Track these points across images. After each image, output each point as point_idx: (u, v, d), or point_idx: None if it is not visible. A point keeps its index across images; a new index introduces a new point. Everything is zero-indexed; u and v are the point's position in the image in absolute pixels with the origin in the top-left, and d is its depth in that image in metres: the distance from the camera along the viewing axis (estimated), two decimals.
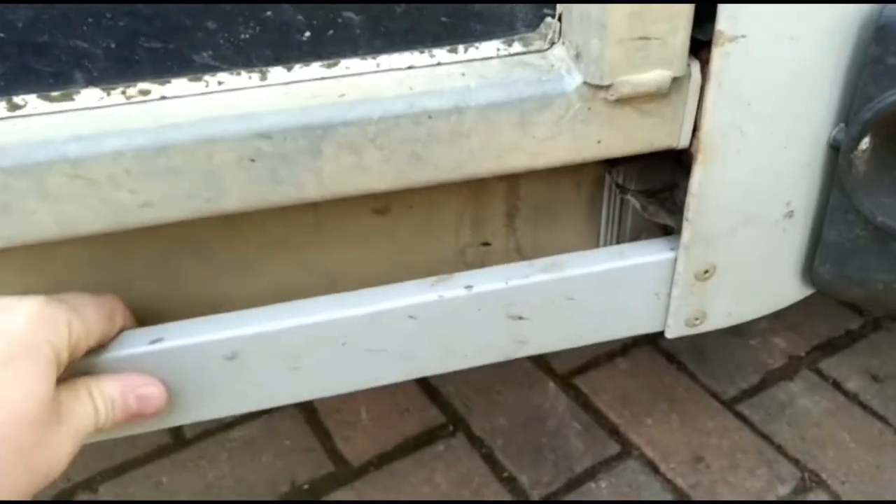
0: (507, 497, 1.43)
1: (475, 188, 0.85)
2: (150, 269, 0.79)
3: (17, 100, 0.59)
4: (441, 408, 1.69)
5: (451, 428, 1.64)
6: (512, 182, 0.85)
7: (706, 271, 0.77)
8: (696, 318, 0.82)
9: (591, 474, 1.54)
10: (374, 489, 1.53)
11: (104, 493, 1.50)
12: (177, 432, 1.63)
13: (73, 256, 0.76)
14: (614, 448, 1.58)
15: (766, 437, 1.56)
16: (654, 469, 1.53)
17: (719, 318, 0.82)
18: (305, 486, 1.53)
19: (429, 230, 0.86)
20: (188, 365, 0.71)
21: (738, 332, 1.78)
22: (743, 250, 0.76)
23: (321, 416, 1.69)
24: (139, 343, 0.70)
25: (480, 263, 0.92)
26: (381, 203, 0.82)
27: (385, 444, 1.61)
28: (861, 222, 0.69)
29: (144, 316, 0.79)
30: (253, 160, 0.62)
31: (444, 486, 1.53)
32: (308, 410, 1.66)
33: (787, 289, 0.81)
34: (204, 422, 1.62)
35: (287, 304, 0.74)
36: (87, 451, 1.55)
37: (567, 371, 1.76)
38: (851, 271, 0.73)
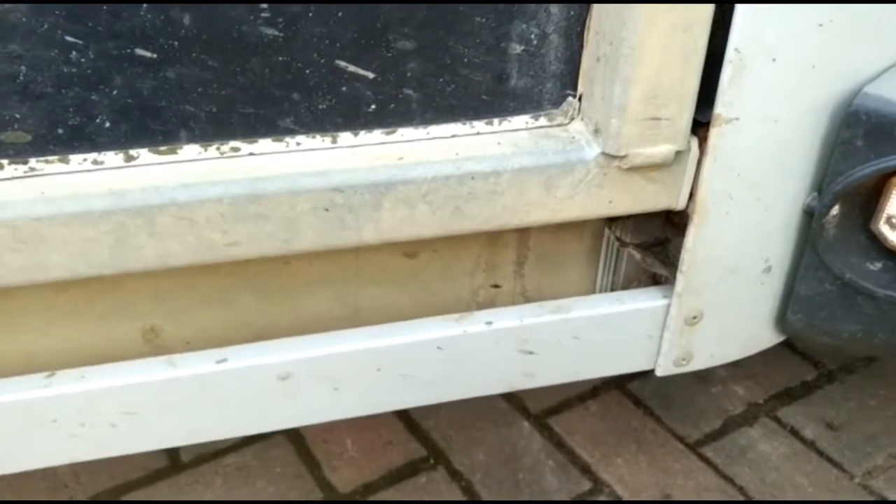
0: None
1: (491, 237, 0.97)
2: (208, 299, 0.90)
3: (132, 153, 0.70)
4: (422, 441, 1.76)
5: (432, 461, 1.70)
6: (523, 233, 0.97)
7: (695, 317, 0.91)
8: (684, 359, 0.95)
9: None
10: None
11: None
12: (173, 456, 1.69)
13: (140, 287, 0.86)
14: (587, 485, 1.65)
15: (728, 479, 1.64)
16: None
17: (703, 358, 0.95)
18: None
19: (449, 273, 0.98)
20: (248, 383, 0.82)
21: (701, 380, 1.88)
22: (726, 299, 0.90)
23: (310, 446, 1.75)
24: (207, 362, 0.80)
25: (490, 303, 1.04)
26: (412, 248, 0.94)
27: (370, 475, 1.67)
28: (830, 278, 0.82)
29: (201, 339, 0.90)
30: (327, 210, 0.73)
31: None
32: (297, 440, 1.72)
33: (763, 335, 0.94)
34: (198, 447, 1.69)
35: (334, 333, 0.85)
36: (88, 471, 1.61)
37: (541, 411, 1.83)
38: (820, 321, 0.86)
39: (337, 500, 1.54)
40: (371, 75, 0.74)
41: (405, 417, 1.80)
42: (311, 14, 0.69)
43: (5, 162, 0.69)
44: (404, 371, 0.88)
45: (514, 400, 1.88)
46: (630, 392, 1.88)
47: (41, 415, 0.80)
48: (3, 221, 0.67)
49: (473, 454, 1.75)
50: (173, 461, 1.67)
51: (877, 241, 0.80)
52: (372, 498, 1.64)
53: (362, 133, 0.76)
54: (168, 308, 0.89)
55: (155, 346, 0.90)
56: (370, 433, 1.78)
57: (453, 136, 0.79)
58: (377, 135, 0.77)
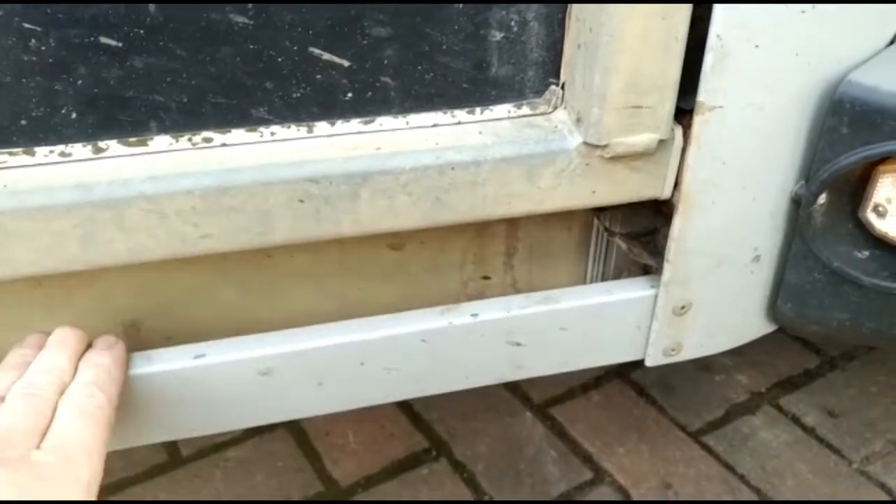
0: None
1: (479, 228, 0.95)
2: (189, 293, 0.89)
3: (101, 144, 0.69)
4: (424, 433, 1.76)
5: (434, 453, 1.70)
6: (512, 224, 0.96)
7: (683, 307, 0.89)
8: (673, 349, 0.93)
9: (566, 498, 1.61)
10: None
11: None
12: (172, 451, 1.69)
13: (119, 281, 0.85)
14: (588, 474, 1.65)
15: (729, 467, 1.64)
16: (626, 495, 1.60)
17: (693, 349, 0.93)
18: None
19: (437, 265, 0.97)
20: (227, 379, 0.81)
21: (704, 368, 1.87)
22: (715, 289, 0.88)
23: (311, 439, 1.75)
24: (184, 358, 0.79)
25: (480, 295, 1.02)
26: (397, 240, 0.92)
27: (372, 467, 1.67)
28: (819, 267, 0.80)
29: (182, 334, 0.89)
30: (302, 201, 0.72)
31: None
32: (298, 433, 1.73)
33: (753, 325, 0.92)
34: (199, 441, 1.69)
35: (315, 327, 0.84)
36: None
37: (543, 401, 1.83)
38: (809, 310, 0.84)
39: (332, 501, 1.53)
40: (346, 63, 0.72)
41: (407, 409, 1.80)
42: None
43: None
44: (388, 364, 0.87)
45: (516, 390, 1.87)
46: (632, 381, 1.87)
47: None
48: None
49: (476, 445, 1.75)
50: (173, 456, 1.68)
51: (864, 230, 0.78)
52: (373, 490, 1.63)
53: (339, 122, 0.75)
54: (148, 303, 0.88)
55: (136, 341, 0.89)
56: (372, 425, 1.78)
57: (434, 125, 0.77)
58: (355, 124, 0.75)
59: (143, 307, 0.88)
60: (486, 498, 1.59)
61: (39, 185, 0.66)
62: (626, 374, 1.85)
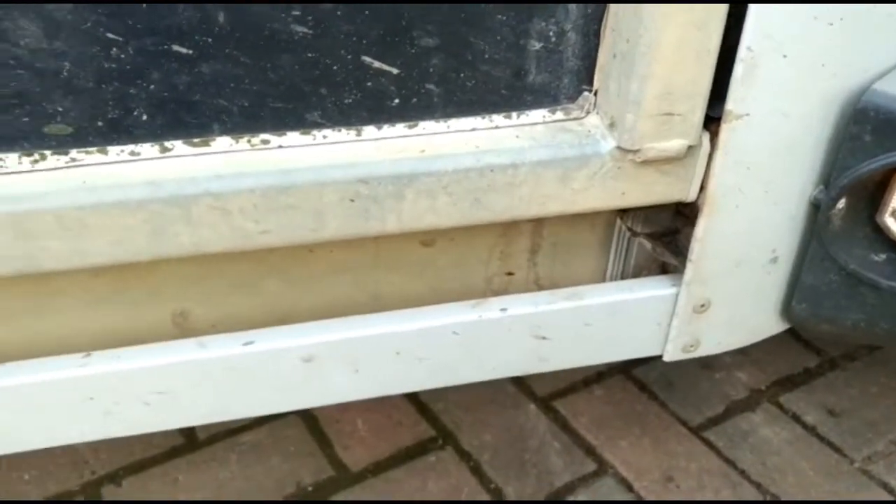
0: None
1: (506, 226, 1.00)
2: (234, 284, 0.94)
3: (168, 144, 0.74)
4: (431, 423, 1.79)
5: (440, 441, 1.74)
6: (538, 222, 1.01)
7: (702, 305, 0.94)
8: (691, 345, 0.98)
9: (570, 489, 1.65)
10: (371, 494, 1.64)
11: (127, 486, 1.59)
12: (189, 435, 1.73)
13: (171, 272, 0.90)
14: (591, 466, 1.68)
15: (730, 462, 1.67)
16: (629, 487, 1.64)
17: (710, 345, 0.98)
18: (310, 488, 1.63)
19: (465, 260, 1.02)
20: (272, 364, 0.85)
21: (705, 366, 1.91)
22: (734, 288, 0.93)
23: (322, 425, 1.79)
24: (234, 345, 0.84)
25: (504, 290, 1.07)
26: (429, 237, 0.97)
27: (380, 454, 1.70)
28: (835, 269, 0.85)
29: (227, 322, 0.93)
30: (352, 200, 0.77)
31: (436, 494, 1.64)
32: (309, 419, 1.76)
33: (769, 323, 0.97)
34: (214, 425, 1.72)
35: (355, 318, 0.89)
36: (109, 448, 1.65)
37: (547, 394, 1.86)
38: (824, 310, 0.89)
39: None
40: (395, 71, 0.77)
41: (414, 399, 1.83)
42: (339, 13, 0.72)
43: (48, 153, 0.72)
44: (422, 354, 0.91)
45: (521, 384, 1.91)
46: (634, 377, 1.90)
47: (78, 393, 0.83)
48: (47, 209, 0.70)
49: (481, 435, 1.78)
50: (189, 439, 1.71)
51: (881, 234, 0.83)
52: (382, 476, 1.67)
53: (385, 126, 0.79)
54: (197, 292, 0.92)
55: (184, 329, 0.94)
56: (380, 414, 1.81)
57: (473, 129, 0.82)
58: (400, 128, 0.80)
59: (192, 296, 0.92)
60: (493, 486, 1.62)
61: (113, 181, 0.71)
62: (628, 369, 1.88)
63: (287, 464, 1.68)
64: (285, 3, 0.69)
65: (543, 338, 0.94)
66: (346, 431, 1.78)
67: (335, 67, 0.75)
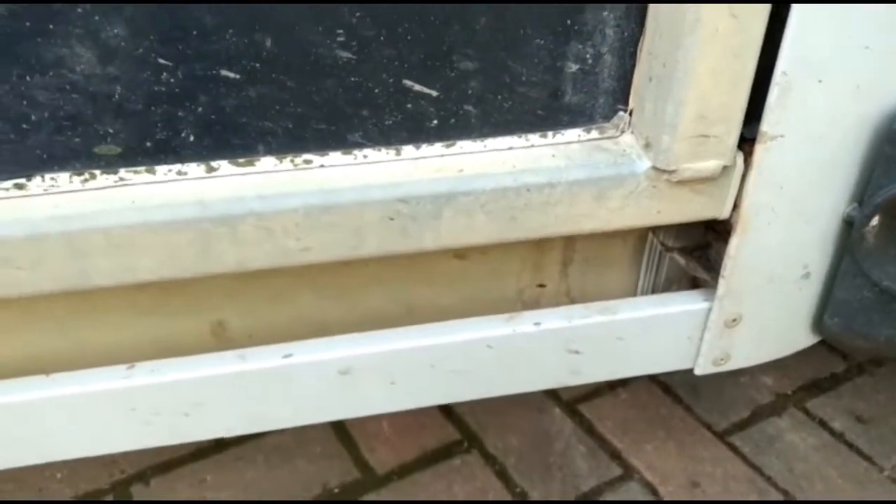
0: None
1: (538, 240, 1.02)
2: (271, 296, 0.96)
3: (213, 164, 0.76)
4: (456, 425, 1.80)
5: (466, 444, 1.74)
6: (570, 236, 1.02)
7: (734, 320, 0.95)
8: (722, 359, 0.99)
9: (596, 493, 1.65)
10: (397, 496, 1.65)
11: (155, 486, 1.61)
12: None
13: (210, 285, 0.92)
14: (617, 471, 1.68)
15: (756, 468, 1.66)
16: (654, 491, 1.64)
17: (741, 359, 0.99)
18: (336, 490, 1.65)
19: (497, 273, 1.03)
20: (310, 376, 0.87)
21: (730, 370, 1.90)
22: (765, 303, 0.94)
23: (348, 427, 1.80)
24: (274, 357, 0.86)
25: (535, 302, 1.09)
26: (462, 250, 0.98)
27: (406, 456, 1.71)
28: (868, 285, 0.86)
29: (263, 333, 0.95)
30: (392, 219, 0.78)
31: (462, 497, 1.66)
32: (335, 421, 1.78)
33: (800, 336, 0.98)
34: None
35: (391, 331, 0.91)
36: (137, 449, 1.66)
37: (572, 398, 1.86)
38: (857, 326, 0.90)
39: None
40: (434, 93, 0.78)
41: None
42: (382, 38, 0.74)
43: (98, 172, 0.75)
44: (456, 367, 0.93)
45: None
46: (659, 381, 1.90)
47: (121, 403, 0.86)
48: (98, 228, 0.72)
49: (506, 438, 1.78)
50: (217, 440, 1.73)
51: None
52: (408, 478, 1.68)
53: (424, 146, 0.81)
54: (235, 304, 0.94)
55: (221, 339, 0.96)
56: (406, 417, 1.82)
57: (509, 148, 0.83)
58: (438, 147, 0.82)
59: (230, 308, 0.94)
60: (518, 490, 1.63)
61: (161, 201, 0.73)
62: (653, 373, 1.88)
63: (313, 465, 1.70)
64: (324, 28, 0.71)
65: (576, 351, 0.95)
66: (371, 433, 1.79)
67: (377, 90, 0.77)
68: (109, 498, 1.58)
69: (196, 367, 0.86)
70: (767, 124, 0.79)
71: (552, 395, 1.88)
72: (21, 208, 0.73)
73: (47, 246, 0.72)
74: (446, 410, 1.83)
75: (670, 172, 0.81)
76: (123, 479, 1.63)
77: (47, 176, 0.74)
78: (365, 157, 0.79)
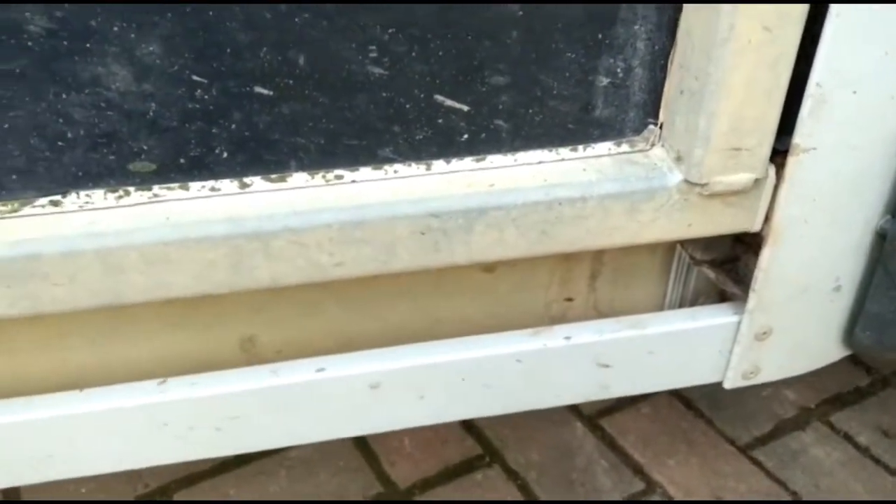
0: None
1: (567, 253, 1.01)
2: (300, 310, 0.96)
3: (246, 180, 0.76)
4: (477, 440, 1.79)
5: (487, 459, 1.74)
6: (598, 250, 1.02)
7: (764, 333, 0.94)
8: (752, 372, 0.99)
9: None
10: None
11: (179, 499, 1.62)
12: None
13: (240, 299, 0.92)
14: (639, 485, 1.67)
15: (781, 483, 1.65)
16: None
17: (771, 372, 0.99)
18: None
19: (525, 286, 1.03)
20: (341, 390, 0.87)
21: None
22: (796, 316, 0.93)
23: (369, 441, 1.80)
24: (307, 371, 0.86)
25: (562, 316, 1.08)
26: (490, 264, 0.98)
27: (428, 470, 1.71)
28: None
29: (291, 348, 0.95)
30: (423, 233, 0.78)
31: None
32: (364, 435, 1.77)
33: (830, 349, 0.97)
34: None
35: (421, 345, 0.90)
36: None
37: (594, 413, 1.86)
38: (889, 339, 0.90)
39: (389, 501, 1.57)
40: (465, 108, 0.79)
41: None
42: (414, 53, 0.74)
43: (132, 189, 0.75)
44: (486, 381, 0.93)
45: None
46: (681, 395, 1.89)
47: (154, 418, 0.86)
48: (133, 245, 0.73)
49: (528, 453, 1.78)
50: (238, 455, 1.73)
51: None
52: (430, 492, 1.68)
53: (454, 161, 0.81)
54: (265, 319, 0.95)
55: (251, 354, 0.96)
56: (426, 431, 1.81)
57: (540, 162, 0.83)
58: (468, 162, 0.82)
59: (260, 323, 0.94)
60: None
61: (195, 217, 0.73)
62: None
63: (335, 479, 1.70)
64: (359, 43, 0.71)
65: (606, 366, 0.95)
66: (392, 448, 1.79)
67: (408, 105, 0.77)
68: None
69: (229, 381, 0.86)
70: (800, 136, 0.79)
71: (573, 409, 1.88)
72: (56, 225, 0.73)
73: (82, 262, 0.73)
74: (467, 425, 1.83)
75: (702, 185, 0.81)
76: (147, 493, 1.64)
77: (82, 193, 0.75)
78: (395, 172, 0.79)
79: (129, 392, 0.85)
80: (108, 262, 0.73)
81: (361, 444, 1.77)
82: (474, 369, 0.91)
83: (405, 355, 0.88)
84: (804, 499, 1.58)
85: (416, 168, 0.80)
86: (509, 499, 1.62)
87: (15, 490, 1.60)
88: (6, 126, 0.70)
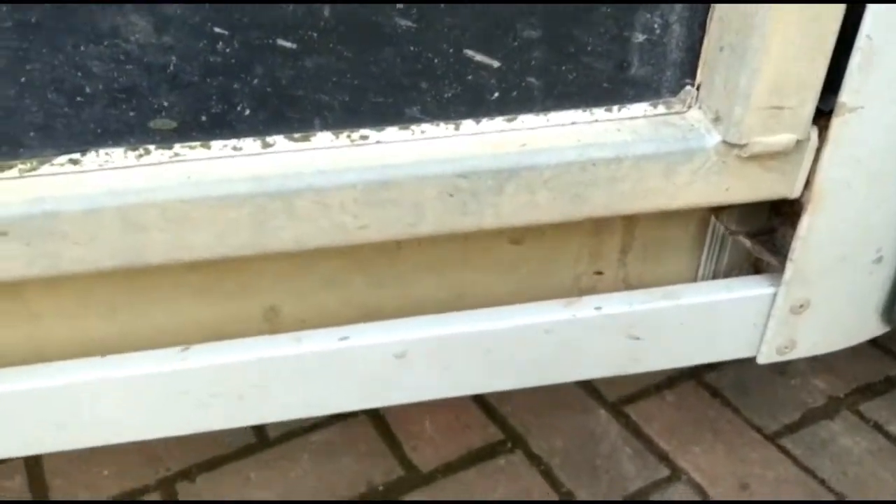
0: None
1: (597, 225, 0.98)
2: (324, 280, 0.93)
3: (269, 140, 0.74)
4: (499, 425, 1.77)
5: (509, 444, 1.72)
6: (630, 221, 0.99)
7: (801, 305, 0.91)
8: (787, 347, 0.95)
9: (643, 494, 1.61)
10: (442, 495, 1.63)
11: (201, 483, 1.60)
12: (261, 434, 1.73)
13: (263, 268, 0.90)
14: (664, 472, 1.64)
15: (808, 471, 1.61)
16: (702, 493, 1.60)
17: (806, 347, 0.95)
18: (381, 488, 1.63)
19: (554, 259, 1.00)
20: (366, 360, 0.85)
21: (779, 372, 1.86)
22: (834, 289, 0.90)
23: (391, 426, 1.78)
24: (330, 340, 0.83)
25: (592, 290, 1.05)
26: (518, 234, 0.96)
27: (450, 455, 1.69)
28: None
29: (314, 318, 0.93)
30: (451, 195, 0.76)
31: (507, 497, 1.62)
32: (378, 419, 1.76)
33: (867, 325, 0.94)
34: (285, 424, 1.73)
35: (448, 315, 0.88)
36: (182, 446, 1.66)
37: (617, 399, 1.83)
38: None
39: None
40: (496, 64, 0.76)
41: (482, 402, 1.82)
42: (443, 5, 0.72)
43: (152, 147, 0.73)
44: (513, 353, 0.90)
45: (589, 388, 1.88)
46: (706, 382, 1.86)
47: (176, 386, 0.84)
48: (153, 202, 0.71)
49: (551, 439, 1.75)
50: (261, 437, 1.72)
51: None
52: (452, 477, 1.66)
53: (484, 120, 0.78)
54: (288, 288, 0.92)
55: (273, 324, 0.94)
56: (448, 415, 1.80)
57: (573, 122, 0.81)
58: (499, 122, 0.79)
59: (283, 292, 0.92)
60: (564, 490, 1.60)
61: (218, 176, 0.71)
62: (700, 375, 1.84)
63: (358, 464, 1.68)
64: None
65: (637, 338, 0.92)
66: (414, 432, 1.77)
67: (436, 61, 0.74)
68: (155, 496, 1.58)
69: (252, 349, 0.84)
70: (847, 94, 0.75)
71: (597, 396, 1.85)
72: (76, 183, 0.71)
73: (103, 221, 0.71)
74: (489, 410, 1.81)
75: (741, 147, 0.77)
76: (169, 476, 1.63)
77: (101, 151, 0.73)
78: (423, 132, 0.77)
79: (151, 359, 0.83)
80: (129, 221, 0.71)
81: (383, 428, 1.76)
82: (501, 340, 0.88)
83: (432, 325, 0.86)
84: (833, 487, 1.54)
85: (444, 128, 0.78)
86: (531, 484, 1.60)
87: (42, 486, 1.60)
88: (23, 80, 0.68)
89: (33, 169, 0.72)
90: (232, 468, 1.64)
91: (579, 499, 1.59)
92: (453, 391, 0.91)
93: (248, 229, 0.73)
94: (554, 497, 1.60)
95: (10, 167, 0.72)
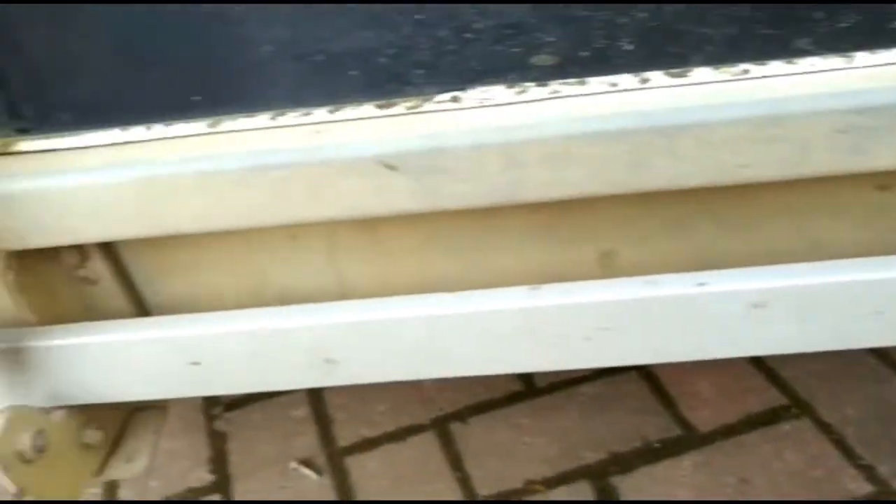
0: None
1: None
2: (664, 226, 0.90)
3: (646, 75, 0.71)
4: (782, 390, 1.69)
5: (795, 410, 1.64)
6: None
7: None
8: None
9: None
10: (722, 456, 1.58)
11: (473, 424, 1.66)
12: (528, 382, 1.76)
13: (602, 211, 0.89)
14: None
15: None
16: None
17: None
18: (656, 445, 1.60)
19: None
20: (721, 307, 0.81)
21: None
22: None
23: (664, 385, 1.75)
24: (686, 285, 0.81)
25: None
26: (887, 180, 0.87)
27: (729, 417, 1.64)
28: None
29: (652, 265, 0.90)
30: (843, 132, 0.70)
31: (794, 464, 1.55)
32: (650, 378, 1.73)
33: None
34: (551, 374, 1.74)
35: (815, 264, 0.82)
36: (453, 388, 1.72)
37: None
38: None
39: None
40: None
41: (761, 365, 1.75)
42: None
43: (530, 84, 0.73)
44: (879, 308, 0.83)
45: (883, 356, 1.76)
46: None
47: (523, 324, 0.85)
48: (534, 139, 0.71)
49: (842, 408, 1.66)
50: (528, 385, 1.75)
51: None
52: (733, 439, 1.61)
53: (881, 52, 0.71)
54: (626, 233, 0.91)
55: (608, 270, 0.93)
56: (725, 377, 1.75)
57: None
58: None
59: (620, 237, 0.91)
60: (862, 463, 1.50)
61: (597, 112, 0.70)
62: None
63: (630, 418, 1.68)
64: None
65: None
66: (689, 393, 1.74)
67: None
68: (429, 435, 1.64)
69: (602, 290, 0.83)
70: None
71: (892, 364, 1.73)
72: (457, 120, 0.73)
73: (486, 157, 0.72)
74: (769, 374, 1.74)
75: None
76: (442, 416, 1.70)
77: (481, 89, 0.74)
78: (812, 65, 0.71)
79: (502, 296, 0.85)
80: (510, 157, 0.72)
81: (656, 386, 1.74)
82: (868, 293, 0.81)
83: (794, 273, 0.81)
84: None
85: (834, 61, 0.72)
86: (822, 453, 1.52)
87: (325, 418, 1.72)
88: (418, 18, 0.70)
89: (417, 106, 0.75)
90: (503, 413, 1.69)
91: (879, 475, 1.49)
92: (811, 346, 0.85)
93: (625, 166, 0.72)
94: (848, 469, 1.52)
95: (395, 104, 0.75)
